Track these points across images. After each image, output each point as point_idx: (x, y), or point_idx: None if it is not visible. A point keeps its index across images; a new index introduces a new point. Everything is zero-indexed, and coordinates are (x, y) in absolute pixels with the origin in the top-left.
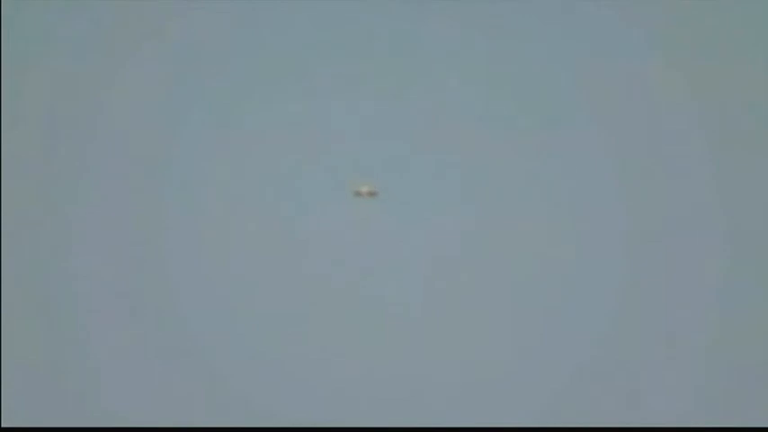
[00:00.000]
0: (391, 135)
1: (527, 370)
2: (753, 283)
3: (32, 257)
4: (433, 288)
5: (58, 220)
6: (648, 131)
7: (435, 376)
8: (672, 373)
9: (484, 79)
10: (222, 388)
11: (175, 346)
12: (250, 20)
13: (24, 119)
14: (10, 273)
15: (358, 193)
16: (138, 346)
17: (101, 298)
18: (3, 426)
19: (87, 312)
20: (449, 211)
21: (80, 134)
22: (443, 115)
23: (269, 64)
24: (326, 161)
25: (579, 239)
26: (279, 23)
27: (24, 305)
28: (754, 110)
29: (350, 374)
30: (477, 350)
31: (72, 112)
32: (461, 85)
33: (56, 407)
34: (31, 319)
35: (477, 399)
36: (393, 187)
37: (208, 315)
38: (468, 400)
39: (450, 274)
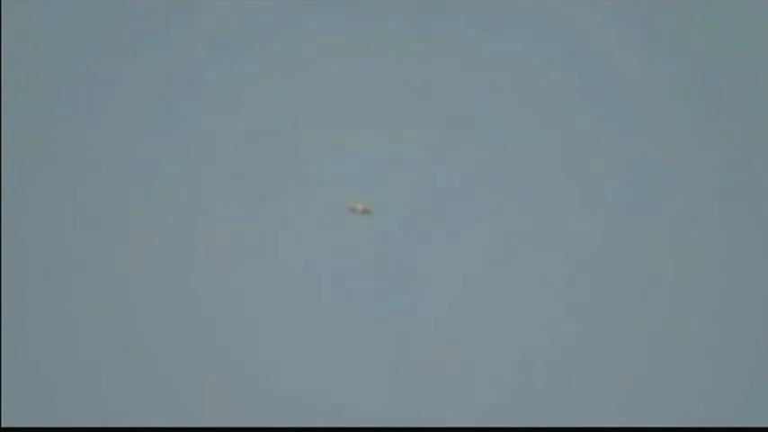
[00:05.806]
0: (386, 152)
1: (528, 384)
2: (749, 283)
3: (32, 257)
4: (433, 301)
5: (56, 220)
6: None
7: (433, 393)
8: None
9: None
10: (215, 400)
11: (172, 353)
12: (249, 24)
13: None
14: (10, 273)
15: (353, 210)
16: (138, 346)
17: (101, 298)
18: (3, 426)
19: (88, 312)
20: (446, 226)
21: (78, 132)
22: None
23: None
24: (321, 175)
25: (585, 253)
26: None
27: (24, 305)
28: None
29: (348, 392)
30: (477, 368)
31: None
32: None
33: (56, 407)
34: (31, 318)
35: (479, 404)
36: (387, 204)
37: (201, 329)
38: (470, 407)
39: (450, 289)
